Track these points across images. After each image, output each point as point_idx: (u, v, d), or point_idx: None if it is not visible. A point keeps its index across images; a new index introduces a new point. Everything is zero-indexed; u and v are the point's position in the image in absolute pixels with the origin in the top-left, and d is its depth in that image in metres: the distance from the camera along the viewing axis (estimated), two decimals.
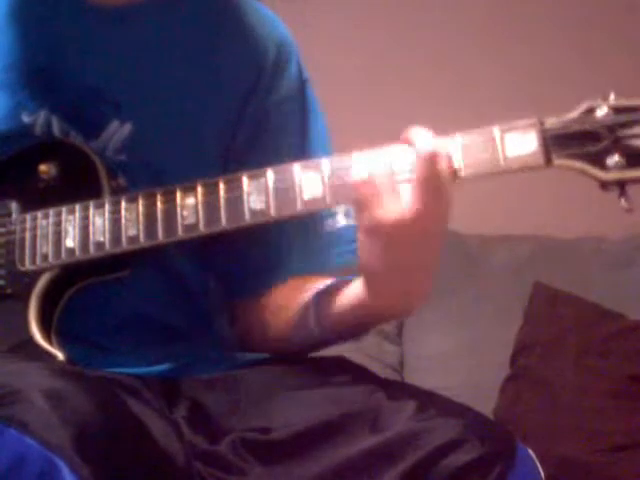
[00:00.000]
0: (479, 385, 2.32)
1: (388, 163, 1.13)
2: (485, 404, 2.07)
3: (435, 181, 1.09)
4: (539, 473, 1.12)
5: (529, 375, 2.30)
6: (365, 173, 1.11)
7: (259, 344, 1.38)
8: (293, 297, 1.30)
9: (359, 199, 1.12)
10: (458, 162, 1.12)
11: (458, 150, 1.12)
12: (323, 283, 1.27)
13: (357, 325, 1.24)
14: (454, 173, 1.12)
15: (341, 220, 1.34)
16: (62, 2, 1.35)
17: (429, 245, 1.12)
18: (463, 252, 2.61)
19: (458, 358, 2.45)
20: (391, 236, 1.10)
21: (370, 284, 1.16)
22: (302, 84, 1.41)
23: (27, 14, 1.35)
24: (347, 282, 1.22)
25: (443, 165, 1.10)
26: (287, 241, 1.35)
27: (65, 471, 0.99)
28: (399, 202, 1.10)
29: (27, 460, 0.99)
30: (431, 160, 1.09)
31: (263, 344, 1.38)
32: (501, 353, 2.38)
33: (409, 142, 1.12)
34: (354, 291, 1.20)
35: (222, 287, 1.40)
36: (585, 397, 2.21)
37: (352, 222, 1.30)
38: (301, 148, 1.37)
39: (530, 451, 1.13)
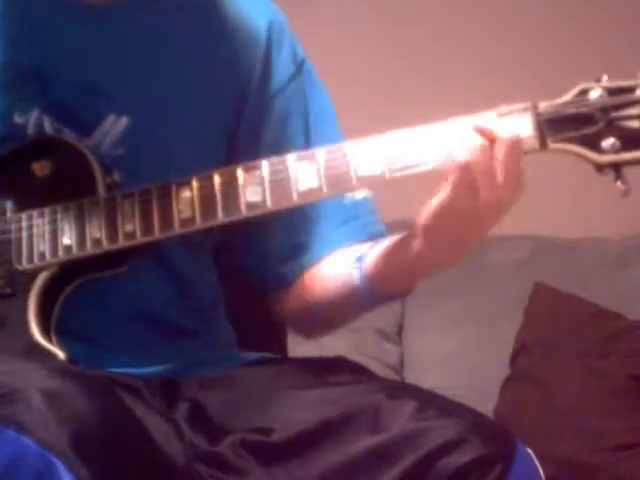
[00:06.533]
0: (479, 385, 2.32)
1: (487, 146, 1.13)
2: (485, 404, 2.07)
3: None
4: (539, 473, 1.13)
5: (529, 375, 2.30)
6: (466, 157, 1.11)
7: (310, 325, 1.39)
8: (332, 267, 1.31)
9: (464, 178, 1.11)
10: (451, 150, 1.12)
11: (452, 137, 1.12)
12: (360, 246, 1.28)
13: (405, 276, 1.24)
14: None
15: (359, 192, 1.33)
16: (50, 0, 1.35)
17: (494, 218, 1.15)
18: None
19: (458, 358, 2.45)
20: (477, 211, 1.12)
21: (433, 240, 1.16)
22: (299, 64, 1.40)
23: (14, 14, 1.35)
24: (388, 240, 1.24)
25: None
26: (314, 219, 1.35)
27: (63, 471, 0.99)
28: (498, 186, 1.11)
29: (24, 460, 1.00)
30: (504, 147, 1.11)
31: (314, 323, 1.38)
32: (501, 353, 2.38)
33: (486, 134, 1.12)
34: (406, 243, 1.20)
35: (256, 281, 1.39)
36: (585, 397, 2.20)
37: (369, 192, 1.33)
38: (304, 132, 1.36)
39: (530, 451, 1.13)
